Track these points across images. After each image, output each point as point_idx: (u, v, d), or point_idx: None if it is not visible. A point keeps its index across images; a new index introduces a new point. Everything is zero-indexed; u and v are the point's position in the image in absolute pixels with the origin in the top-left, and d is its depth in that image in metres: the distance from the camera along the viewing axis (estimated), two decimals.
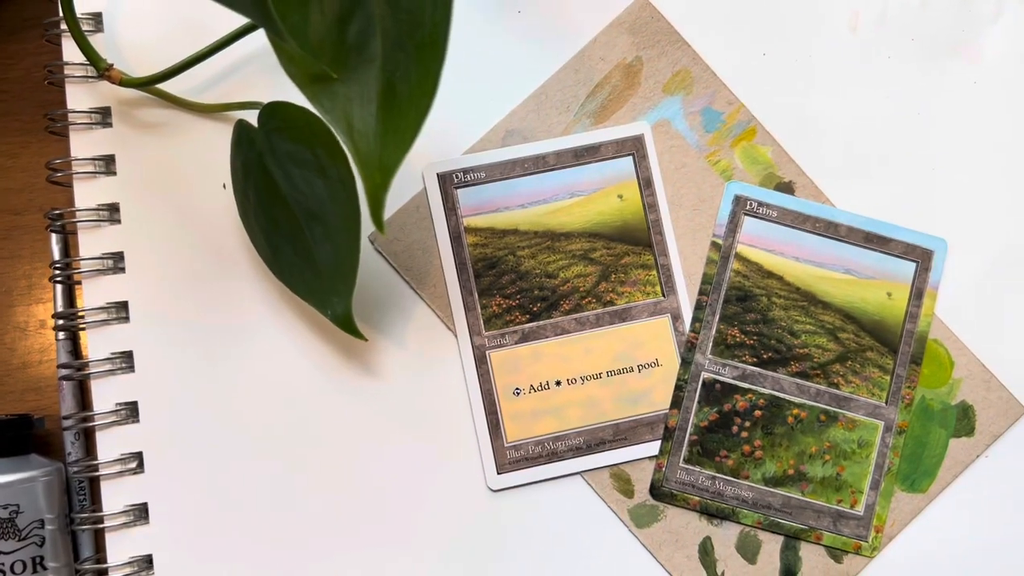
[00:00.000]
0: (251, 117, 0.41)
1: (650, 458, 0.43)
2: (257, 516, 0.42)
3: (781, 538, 0.43)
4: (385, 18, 0.32)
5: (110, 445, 0.42)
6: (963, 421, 0.44)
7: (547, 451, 0.43)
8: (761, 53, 0.46)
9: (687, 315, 0.44)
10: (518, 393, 0.43)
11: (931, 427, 0.44)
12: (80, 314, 0.43)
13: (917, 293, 0.44)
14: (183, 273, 0.43)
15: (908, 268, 0.45)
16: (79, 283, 0.44)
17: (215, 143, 0.44)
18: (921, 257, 0.45)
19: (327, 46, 0.32)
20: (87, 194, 0.43)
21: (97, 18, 0.44)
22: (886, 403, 0.44)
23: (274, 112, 0.38)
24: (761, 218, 0.45)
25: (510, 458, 0.43)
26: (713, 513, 0.43)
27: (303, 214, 0.38)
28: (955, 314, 0.44)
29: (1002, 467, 0.44)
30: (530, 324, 0.44)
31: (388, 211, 0.44)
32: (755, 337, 0.44)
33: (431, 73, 0.31)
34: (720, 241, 0.44)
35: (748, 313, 0.44)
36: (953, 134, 0.46)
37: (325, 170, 0.37)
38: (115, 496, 0.42)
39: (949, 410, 0.44)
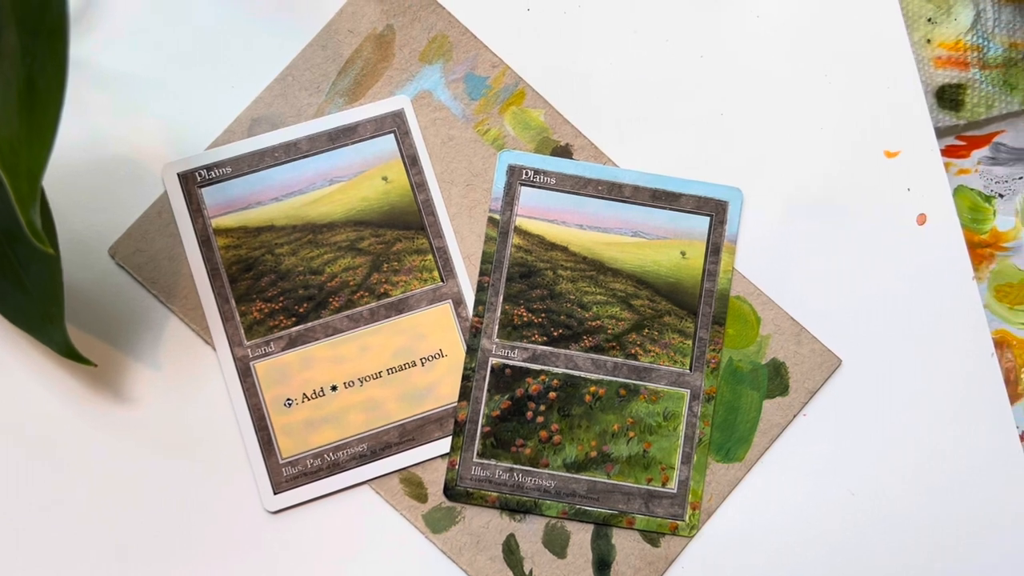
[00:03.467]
0: None
1: (442, 457, 0.42)
2: (12, 564, 0.40)
3: (591, 527, 0.42)
4: (17, 4, 0.29)
5: None
6: (775, 380, 0.43)
7: (327, 463, 0.41)
8: (525, 8, 0.44)
9: (469, 299, 0.42)
10: (290, 404, 0.41)
11: (742, 390, 0.43)
12: None
13: (714, 249, 0.43)
14: None
15: (702, 223, 0.43)
16: None
17: None
18: (715, 210, 0.44)
19: None
20: None
21: None
22: (690, 370, 0.42)
23: None
24: (539, 187, 0.43)
25: (287, 475, 0.41)
26: (514, 508, 0.41)
27: (1, 235, 0.36)
28: (757, 267, 0.43)
29: (822, 424, 0.43)
30: (297, 327, 0.42)
31: (128, 220, 0.42)
32: (543, 314, 0.42)
33: (61, 60, 0.29)
34: (497, 216, 0.43)
35: (534, 290, 0.43)
36: (739, 74, 0.44)
37: None
38: None
39: (759, 370, 0.43)
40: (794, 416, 0.43)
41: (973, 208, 0.47)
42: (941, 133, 0.47)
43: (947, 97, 0.47)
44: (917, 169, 0.44)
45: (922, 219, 0.44)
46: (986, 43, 0.47)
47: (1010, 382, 0.46)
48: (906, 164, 0.44)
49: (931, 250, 0.43)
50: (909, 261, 0.43)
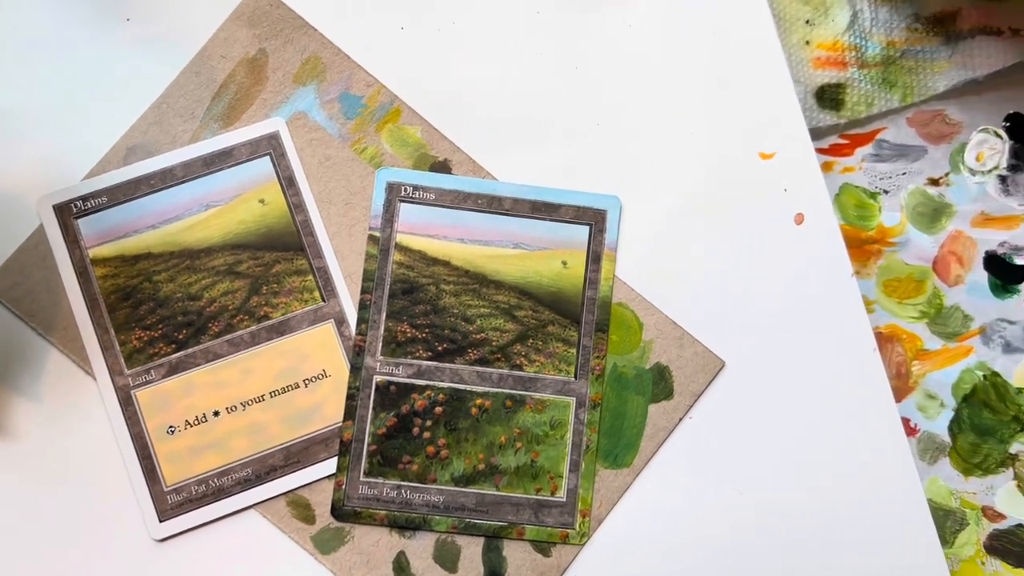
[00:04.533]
0: None
1: (328, 477, 0.42)
2: None
3: (481, 540, 0.42)
4: None
5: None
6: (660, 384, 0.44)
7: (212, 489, 0.41)
8: (399, 27, 0.45)
9: (352, 318, 0.43)
10: (172, 431, 0.42)
11: (627, 396, 0.44)
12: None
13: (594, 257, 0.44)
14: None
15: (582, 232, 0.44)
16: None
17: None
18: (594, 219, 0.44)
19: None
20: None
21: None
22: (575, 378, 0.43)
23: None
24: (418, 203, 0.44)
25: (172, 503, 0.41)
26: (403, 525, 0.42)
27: None
28: (638, 273, 0.44)
29: (708, 426, 0.44)
30: (177, 354, 0.42)
31: (5, 253, 0.42)
32: (427, 330, 0.43)
33: None
34: (378, 234, 0.44)
35: (417, 305, 0.43)
36: (614, 84, 0.45)
37: None
38: None
39: (644, 375, 0.44)
40: (680, 419, 0.44)
41: (859, 205, 0.48)
42: (823, 133, 0.48)
43: (827, 97, 0.48)
44: (793, 169, 0.45)
45: (800, 218, 0.45)
46: (864, 42, 0.49)
47: (901, 375, 0.47)
48: (782, 165, 0.45)
49: (810, 249, 0.45)
50: (788, 260, 0.45)
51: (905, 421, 0.46)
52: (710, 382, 0.44)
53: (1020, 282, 0.48)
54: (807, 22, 0.49)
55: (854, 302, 0.44)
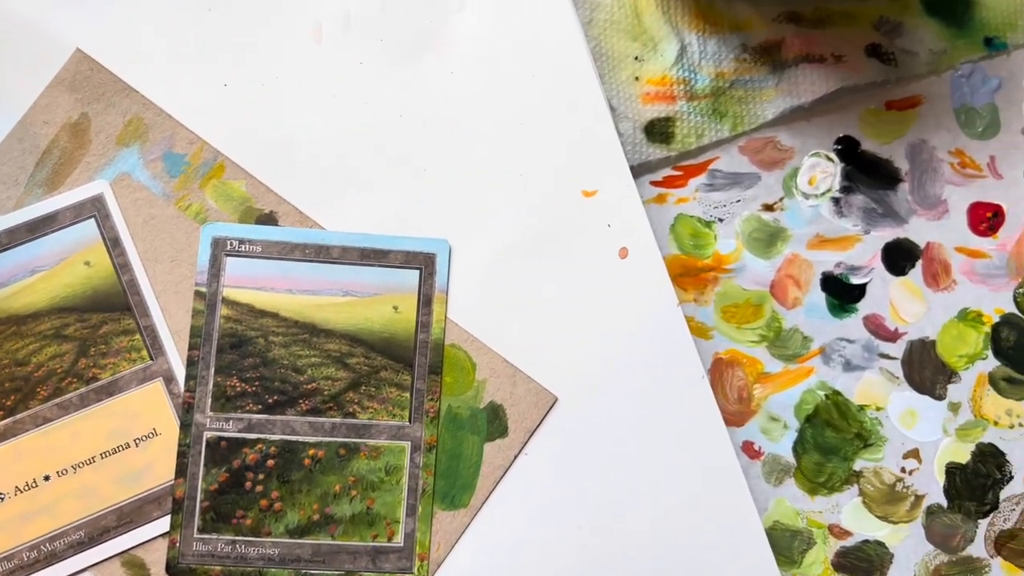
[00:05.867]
0: None
1: (162, 536, 0.43)
2: None
3: None
4: None
5: None
6: (495, 423, 0.45)
7: (44, 554, 0.42)
8: (222, 84, 0.46)
9: (180, 375, 0.44)
10: (1, 499, 0.42)
11: (463, 436, 0.45)
12: None
13: (425, 300, 0.45)
14: None
15: (412, 277, 0.46)
16: None
17: None
18: (424, 263, 0.46)
19: None
20: None
21: None
22: (410, 422, 0.44)
23: None
24: (245, 256, 0.45)
25: (1, 572, 0.42)
26: None
27: None
28: (469, 315, 0.45)
29: (542, 460, 0.45)
30: (5, 421, 0.43)
31: None
32: (257, 383, 0.44)
33: None
34: (204, 289, 0.45)
35: (246, 359, 0.44)
36: (439, 130, 0.47)
37: None
38: None
39: (478, 414, 0.45)
40: (515, 456, 0.45)
41: (694, 235, 0.50)
42: (655, 166, 0.50)
43: (656, 131, 0.50)
44: (615, 205, 0.47)
45: (624, 252, 0.46)
46: (693, 75, 0.50)
47: (743, 399, 0.48)
48: (604, 202, 0.47)
49: (635, 281, 0.46)
50: (615, 294, 0.46)
51: (749, 444, 0.48)
52: (543, 418, 0.45)
53: (857, 301, 0.50)
54: (636, 58, 0.50)
55: (681, 332, 0.46)
